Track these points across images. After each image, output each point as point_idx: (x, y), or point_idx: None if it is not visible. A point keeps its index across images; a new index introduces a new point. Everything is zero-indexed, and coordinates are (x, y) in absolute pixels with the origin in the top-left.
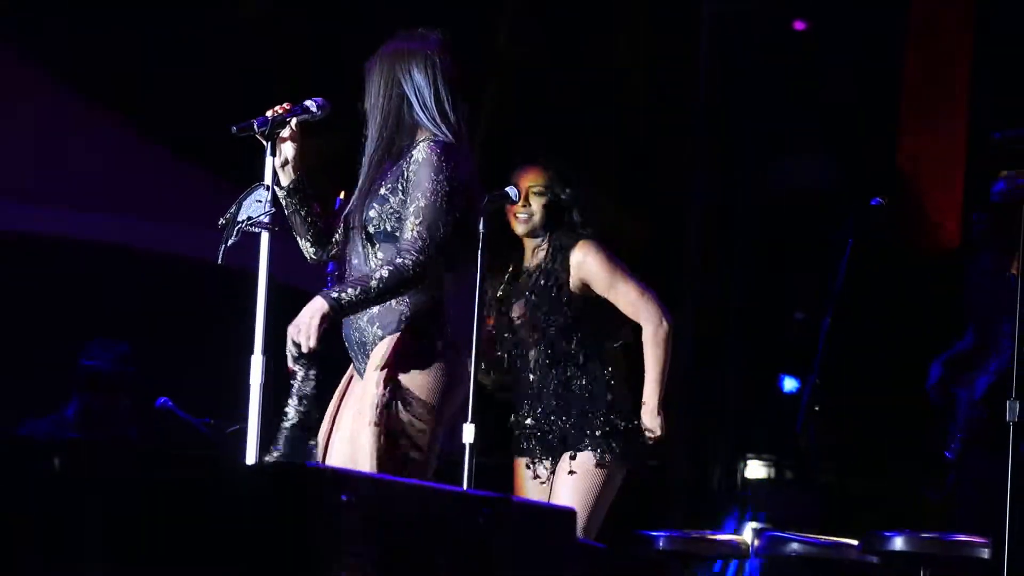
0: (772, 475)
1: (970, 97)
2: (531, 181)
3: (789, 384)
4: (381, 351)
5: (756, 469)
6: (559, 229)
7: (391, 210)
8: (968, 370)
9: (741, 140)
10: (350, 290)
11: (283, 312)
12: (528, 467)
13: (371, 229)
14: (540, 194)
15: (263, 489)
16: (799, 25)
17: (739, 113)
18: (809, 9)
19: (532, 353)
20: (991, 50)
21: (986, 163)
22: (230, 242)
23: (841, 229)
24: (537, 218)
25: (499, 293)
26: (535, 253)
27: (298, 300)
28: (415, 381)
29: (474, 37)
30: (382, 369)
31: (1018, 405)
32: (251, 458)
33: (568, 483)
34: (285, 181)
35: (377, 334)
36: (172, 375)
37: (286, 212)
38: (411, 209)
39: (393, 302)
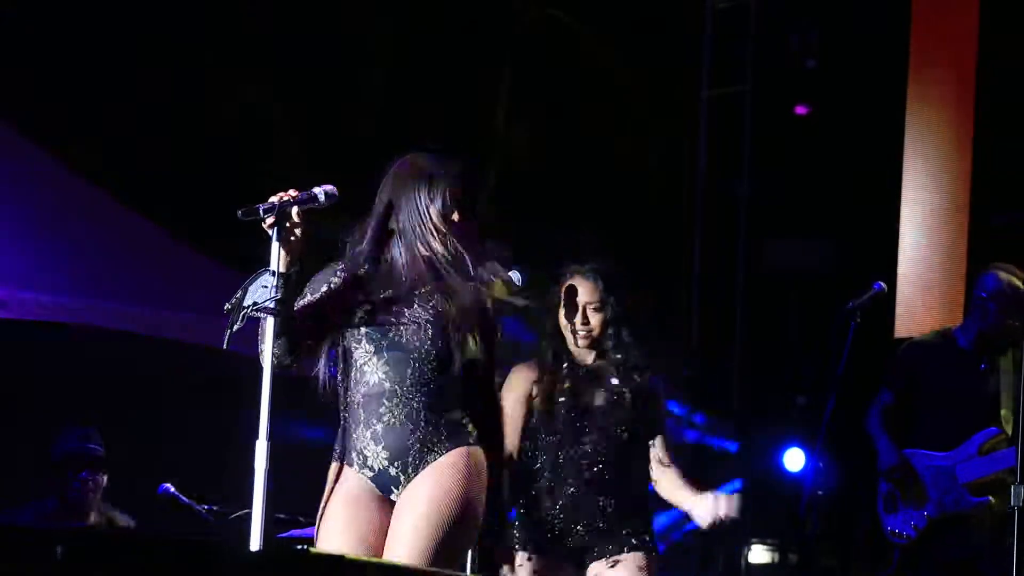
0: (775, 559)
1: (973, 184)
2: (588, 297)
3: (794, 458)
4: (447, 472)
5: (759, 554)
6: (613, 337)
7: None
8: (935, 448)
9: (740, 221)
10: None
11: (287, 398)
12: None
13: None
14: (598, 310)
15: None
16: (801, 110)
17: (738, 194)
18: (810, 93)
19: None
20: (991, 134)
21: (987, 250)
22: (236, 327)
23: (843, 312)
24: (597, 332)
25: (544, 398)
26: (587, 354)
27: (302, 386)
28: (471, 491)
29: (473, 125)
30: (449, 485)
31: (1023, 490)
32: (255, 544)
33: None
34: (280, 269)
35: (441, 450)
36: (175, 460)
37: None
38: None
39: (458, 420)
